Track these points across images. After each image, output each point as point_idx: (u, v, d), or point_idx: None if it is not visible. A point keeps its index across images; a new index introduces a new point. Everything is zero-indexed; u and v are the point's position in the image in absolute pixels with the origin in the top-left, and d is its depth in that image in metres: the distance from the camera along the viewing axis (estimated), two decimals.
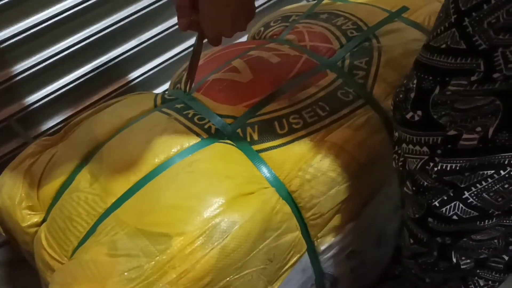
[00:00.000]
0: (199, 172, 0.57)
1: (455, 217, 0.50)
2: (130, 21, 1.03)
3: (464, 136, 0.45)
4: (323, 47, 0.72)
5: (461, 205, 0.49)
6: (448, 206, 0.50)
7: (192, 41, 1.16)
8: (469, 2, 0.39)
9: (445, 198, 0.50)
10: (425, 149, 0.48)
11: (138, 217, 0.53)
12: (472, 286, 0.61)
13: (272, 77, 0.67)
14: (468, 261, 0.56)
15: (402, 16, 0.76)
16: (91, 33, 0.98)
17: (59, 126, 1.02)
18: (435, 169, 0.48)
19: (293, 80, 0.67)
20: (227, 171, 0.57)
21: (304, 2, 1.10)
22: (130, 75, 1.10)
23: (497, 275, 0.58)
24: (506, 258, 0.56)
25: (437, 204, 0.50)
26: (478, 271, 0.58)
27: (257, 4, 1.24)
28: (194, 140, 0.61)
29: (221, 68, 0.71)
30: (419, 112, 0.47)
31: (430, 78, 0.45)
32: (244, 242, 0.52)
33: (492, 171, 0.46)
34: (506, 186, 0.47)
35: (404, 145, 0.51)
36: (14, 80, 0.92)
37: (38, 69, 0.93)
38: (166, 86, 1.18)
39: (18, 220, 0.62)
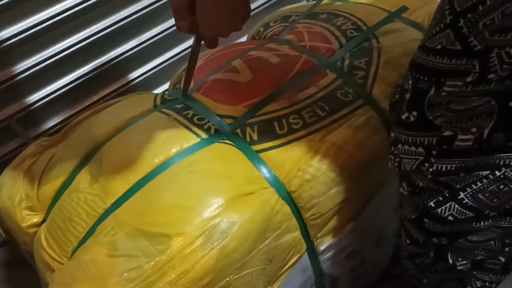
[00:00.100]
0: (199, 172, 0.57)
1: (450, 217, 0.50)
2: (130, 21, 1.03)
3: (460, 136, 0.45)
4: (323, 47, 0.72)
5: (456, 205, 0.49)
6: (443, 207, 0.50)
7: (191, 41, 1.16)
8: (465, 3, 0.39)
9: (441, 198, 0.50)
10: (420, 149, 0.48)
11: (137, 217, 0.53)
12: (469, 287, 0.61)
13: (271, 77, 0.67)
14: (465, 262, 0.56)
15: (402, 16, 0.76)
16: (91, 33, 0.98)
17: (59, 126, 1.03)
18: (431, 169, 0.48)
19: (293, 80, 0.67)
20: (226, 171, 0.57)
21: (304, 2, 1.10)
22: (130, 75, 1.10)
23: (494, 276, 0.58)
24: (503, 259, 0.56)
25: (433, 205, 0.51)
26: (475, 272, 0.58)
27: (257, 4, 1.24)
28: (193, 140, 0.61)
29: (220, 68, 0.71)
30: (415, 113, 0.47)
31: (426, 78, 0.45)
32: (244, 242, 0.52)
33: (487, 172, 0.46)
34: (501, 187, 0.47)
35: (399, 146, 0.51)
36: (14, 80, 0.92)
37: (38, 69, 0.94)
38: (166, 86, 1.18)
39: (18, 221, 0.62)
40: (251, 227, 0.53)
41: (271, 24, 0.83)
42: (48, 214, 0.61)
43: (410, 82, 0.47)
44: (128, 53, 1.06)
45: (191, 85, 0.71)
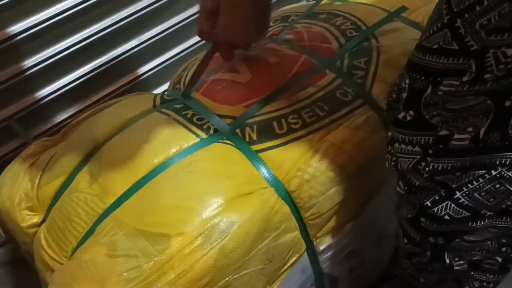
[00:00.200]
0: (198, 172, 0.57)
1: (447, 217, 0.50)
2: (130, 21, 1.03)
3: (456, 136, 0.45)
4: (322, 47, 0.71)
5: (452, 205, 0.49)
6: (439, 206, 0.50)
7: (191, 41, 1.16)
8: (462, 3, 0.39)
9: (437, 198, 0.50)
10: (417, 148, 0.48)
11: (137, 217, 0.53)
12: (467, 287, 0.61)
13: (271, 77, 0.67)
14: (462, 262, 0.56)
15: (401, 16, 0.76)
16: (91, 33, 0.98)
17: (59, 126, 1.03)
18: (427, 169, 0.48)
19: (292, 80, 0.67)
20: (226, 171, 0.57)
21: (303, 2, 1.10)
22: (129, 75, 1.10)
23: (491, 276, 0.58)
24: (500, 259, 0.56)
25: (429, 204, 0.51)
26: (472, 273, 0.58)
27: None
28: (193, 140, 0.61)
29: (220, 68, 0.71)
30: (411, 112, 0.47)
31: (422, 78, 0.45)
32: (243, 242, 0.52)
33: (483, 171, 0.46)
34: (497, 186, 0.47)
35: (396, 145, 0.51)
36: (14, 80, 0.92)
37: (38, 69, 0.94)
38: (165, 86, 1.18)
39: (18, 221, 0.62)
40: (251, 227, 0.53)
41: (271, 24, 0.83)
42: (48, 214, 0.62)
43: (407, 81, 0.47)
44: (128, 53, 1.06)
45: None
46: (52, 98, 0.99)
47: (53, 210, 0.61)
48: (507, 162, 0.45)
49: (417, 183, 0.51)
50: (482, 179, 0.47)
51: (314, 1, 0.86)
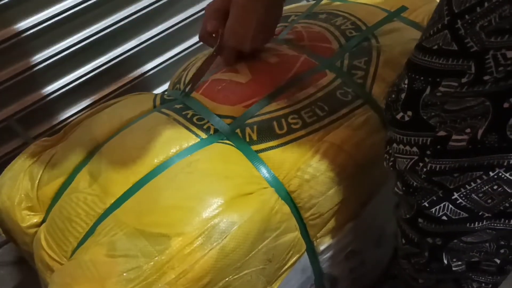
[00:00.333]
0: (198, 173, 0.57)
1: (444, 217, 0.50)
2: (130, 21, 1.03)
3: (454, 137, 0.45)
4: (322, 47, 0.71)
5: (450, 205, 0.49)
6: (437, 207, 0.50)
7: (191, 41, 1.16)
8: (463, 4, 0.39)
9: (435, 198, 0.50)
10: (415, 149, 0.48)
11: (137, 217, 0.53)
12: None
13: (271, 77, 0.67)
14: (460, 263, 0.56)
15: (401, 16, 0.76)
16: (91, 33, 0.98)
17: (59, 126, 1.03)
18: (425, 169, 0.48)
19: (292, 80, 0.67)
20: (226, 171, 0.57)
21: (303, 2, 1.10)
22: (129, 76, 1.10)
23: (490, 277, 0.58)
24: (498, 261, 0.56)
25: (427, 205, 0.51)
26: (470, 274, 0.58)
27: None
28: (193, 141, 0.61)
29: (220, 68, 0.71)
30: (409, 113, 0.47)
31: (422, 78, 0.45)
32: (243, 242, 0.52)
33: (481, 172, 0.46)
34: (495, 187, 0.47)
35: (394, 145, 0.51)
36: (14, 80, 0.92)
37: (37, 69, 0.94)
38: (165, 86, 1.18)
39: (18, 221, 0.62)
40: (251, 227, 0.53)
41: None
42: (48, 215, 0.61)
43: (406, 81, 0.47)
44: (128, 53, 1.06)
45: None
46: (52, 98, 0.99)
47: (53, 210, 0.61)
48: (505, 163, 0.45)
49: (415, 183, 0.51)
50: (480, 180, 0.47)
51: (314, 1, 0.86)
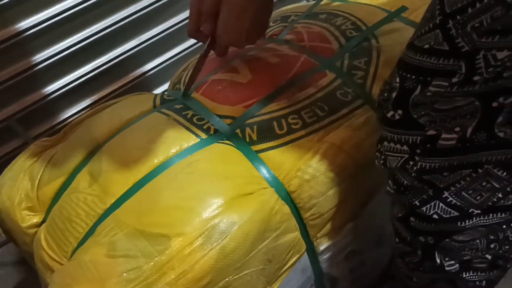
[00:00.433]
0: (198, 173, 0.57)
1: (435, 216, 0.51)
2: (130, 21, 1.03)
3: (443, 136, 0.46)
4: (322, 47, 0.71)
5: (441, 204, 0.50)
6: (428, 205, 0.51)
7: (191, 41, 1.16)
8: (455, 4, 0.39)
9: (425, 197, 0.50)
10: (405, 147, 0.49)
11: (137, 217, 0.53)
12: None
13: (271, 78, 0.67)
14: (452, 262, 0.56)
15: (401, 16, 0.76)
16: (91, 33, 0.98)
17: (59, 126, 1.03)
18: (415, 168, 0.49)
19: (292, 80, 0.67)
20: (226, 171, 0.57)
21: (303, 2, 1.10)
22: (129, 76, 1.10)
23: (483, 274, 0.59)
24: (489, 257, 0.57)
25: (418, 203, 0.51)
26: (464, 275, 0.58)
27: None
28: (193, 141, 0.61)
29: (220, 69, 0.71)
30: (400, 111, 0.48)
31: (413, 77, 0.45)
32: (243, 242, 0.52)
33: (470, 170, 0.47)
34: (484, 183, 0.48)
35: (385, 143, 0.51)
36: (14, 80, 0.92)
37: (37, 70, 0.94)
38: (165, 86, 1.18)
39: (18, 221, 0.62)
40: (251, 228, 0.53)
41: (271, 24, 0.83)
42: (48, 215, 0.62)
43: (397, 80, 0.47)
44: (128, 53, 1.06)
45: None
46: (52, 98, 0.99)
47: (53, 211, 0.61)
48: (493, 160, 0.46)
49: (406, 182, 0.51)
50: (469, 178, 0.47)
51: (314, 1, 0.86)
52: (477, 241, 0.54)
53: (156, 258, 0.49)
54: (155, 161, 0.59)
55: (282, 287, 0.61)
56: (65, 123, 1.03)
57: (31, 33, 0.90)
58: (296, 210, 0.59)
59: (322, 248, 0.63)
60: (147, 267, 0.49)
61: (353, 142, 0.60)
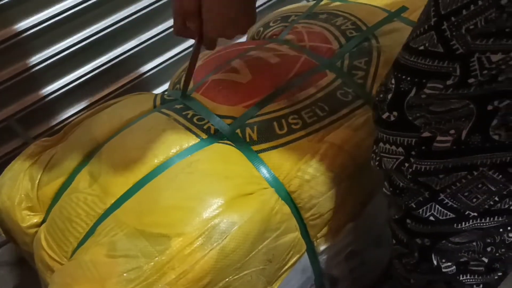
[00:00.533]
0: (199, 173, 0.57)
1: (432, 218, 0.51)
2: (130, 21, 1.03)
3: (438, 138, 0.46)
4: (323, 47, 0.71)
5: (437, 206, 0.50)
6: (424, 208, 0.51)
7: (191, 41, 1.16)
8: (449, 6, 0.39)
9: (421, 199, 0.50)
10: (400, 149, 0.49)
11: (137, 217, 0.53)
12: None
13: (271, 78, 0.67)
14: (449, 264, 0.56)
15: (402, 16, 0.76)
16: (91, 33, 0.98)
17: (59, 126, 1.03)
18: (410, 170, 0.49)
19: (292, 81, 0.67)
20: (226, 171, 0.57)
21: (303, 2, 1.10)
22: (129, 76, 1.10)
23: (480, 277, 0.58)
24: (486, 260, 0.56)
25: (414, 206, 0.51)
26: (461, 278, 0.58)
27: (257, 4, 1.24)
28: (193, 141, 0.61)
29: (220, 69, 0.71)
30: (395, 113, 0.48)
31: (408, 79, 0.45)
32: (243, 242, 0.52)
33: (465, 172, 0.47)
34: (479, 186, 0.48)
35: (381, 144, 0.51)
36: (14, 80, 0.92)
37: (37, 69, 0.94)
38: (165, 86, 1.18)
39: (18, 221, 0.62)
40: (251, 228, 0.53)
41: (271, 24, 0.83)
42: (48, 215, 0.61)
43: (393, 81, 0.47)
44: (128, 53, 1.06)
45: (191, 85, 0.71)
46: (52, 98, 0.99)
47: (53, 211, 0.61)
48: (488, 162, 0.46)
49: (401, 184, 0.51)
50: (465, 180, 0.47)
51: (314, 1, 0.86)
52: (474, 243, 0.54)
53: (157, 258, 0.49)
54: (155, 161, 0.59)
55: (282, 287, 0.60)
56: (65, 123, 1.03)
57: (31, 33, 0.89)
58: (296, 210, 0.59)
59: (322, 248, 0.63)
60: (147, 267, 0.49)
61: (353, 142, 0.60)
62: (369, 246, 0.74)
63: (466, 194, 0.48)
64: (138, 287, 0.48)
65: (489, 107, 0.42)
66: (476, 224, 0.51)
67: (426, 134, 0.46)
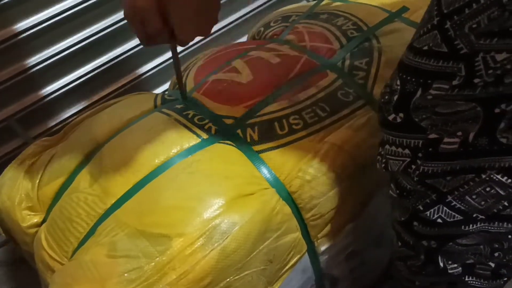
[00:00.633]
0: (199, 173, 0.57)
1: (439, 220, 0.50)
2: None
3: (445, 140, 0.45)
4: (323, 47, 0.71)
5: (445, 208, 0.49)
6: (432, 210, 0.50)
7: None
8: (451, 5, 0.39)
9: (428, 201, 0.50)
10: (407, 151, 0.48)
11: (138, 218, 0.53)
12: None
13: (272, 78, 0.67)
14: (455, 265, 0.56)
15: (402, 16, 0.76)
16: (91, 33, 0.98)
17: (59, 126, 1.03)
18: (417, 172, 0.48)
19: (293, 81, 0.67)
20: (227, 172, 0.57)
21: (304, 2, 1.10)
22: (130, 75, 1.10)
23: (486, 282, 0.58)
24: (493, 265, 0.56)
25: (421, 208, 0.51)
26: (466, 278, 0.58)
27: (257, 4, 1.24)
28: (194, 141, 0.61)
29: (221, 69, 0.71)
30: (401, 114, 0.47)
31: (413, 79, 0.45)
32: (244, 243, 0.52)
33: (473, 175, 0.46)
34: (487, 189, 0.47)
35: (387, 146, 0.51)
36: (14, 80, 0.92)
37: (37, 69, 0.94)
38: (166, 86, 1.18)
39: (18, 221, 0.62)
40: (252, 228, 0.53)
41: (272, 24, 0.83)
42: (48, 215, 0.61)
43: (398, 82, 0.47)
44: (128, 53, 1.06)
45: (191, 85, 0.71)
46: (52, 98, 0.99)
47: (54, 210, 0.61)
48: (496, 166, 0.45)
49: (408, 186, 0.51)
50: (472, 183, 0.47)
51: (314, 1, 0.86)
52: (481, 246, 0.54)
53: (157, 259, 0.49)
54: (156, 161, 0.58)
55: (283, 287, 0.60)
56: (65, 123, 1.03)
57: (31, 33, 0.89)
58: (297, 211, 0.59)
59: (323, 248, 0.63)
60: (148, 267, 0.49)
61: (354, 143, 0.60)
62: (369, 246, 0.74)
63: (474, 197, 0.48)
64: (138, 287, 0.48)
65: (496, 110, 0.42)
66: (483, 227, 0.51)
67: (433, 135, 0.46)
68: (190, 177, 0.56)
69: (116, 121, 0.67)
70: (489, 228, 0.51)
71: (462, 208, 0.49)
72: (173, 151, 0.59)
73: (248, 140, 0.61)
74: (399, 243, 0.60)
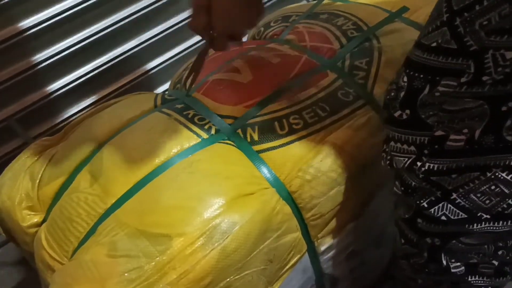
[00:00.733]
0: (199, 173, 0.57)
1: (443, 217, 0.50)
2: (130, 21, 1.03)
3: (451, 137, 0.45)
4: (324, 47, 0.71)
5: (449, 205, 0.49)
6: (436, 207, 0.50)
7: (192, 41, 1.16)
8: (462, 1, 0.39)
9: (433, 199, 0.50)
10: (412, 148, 0.48)
11: (138, 217, 0.53)
12: None
13: (272, 78, 0.67)
14: (458, 264, 0.56)
15: (403, 16, 0.76)
16: (91, 33, 0.98)
17: (59, 126, 1.03)
18: (422, 169, 0.48)
19: (294, 81, 0.67)
20: (227, 171, 0.57)
21: (304, 2, 1.10)
22: (130, 75, 1.10)
23: (488, 280, 0.58)
24: (496, 263, 0.56)
25: (426, 205, 0.51)
26: (468, 278, 0.58)
27: None
28: (194, 141, 0.61)
29: (221, 68, 0.71)
30: (407, 111, 0.47)
31: (421, 76, 0.45)
32: (244, 242, 0.52)
33: (478, 173, 0.46)
34: (492, 187, 0.47)
35: (392, 143, 0.51)
36: (15, 79, 0.92)
37: (37, 69, 0.94)
38: (166, 86, 1.18)
39: (18, 220, 0.62)
40: (252, 228, 0.53)
41: (272, 24, 0.83)
42: (49, 214, 0.61)
43: (405, 79, 0.47)
44: (128, 53, 1.06)
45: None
46: (52, 98, 0.99)
47: (54, 210, 0.61)
48: (502, 164, 0.45)
49: (413, 183, 0.51)
50: (478, 181, 0.47)
51: (315, 1, 0.86)
52: (485, 246, 0.54)
53: (157, 258, 0.49)
54: (156, 160, 0.58)
55: (283, 287, 0.60)
56: (65, 123, 1.03)
57: (31, 33, 0.89)
58: (297, 210, 0.59)
59: (323, 248, 0.63)
60: (148, 267, 0.49)
61: (354, 142, 0.60)
62: (369, 246, 0.74)
63: (478, 195, 0.48)
64: (139, 287, 0.48)
65: (503, 108, 0.42)
66: (488, 228, 0.51)
67: (439, 132, 0.46)
68: (190, 177, 0.56)
69: (116, 121, 0.67)
70: (494, 228, 0.51)
71: (467, 206, 0.49)
72: (173, 150, 0.59)
73: (248, 139, 0.61)
74: (402, 241, 0.60)
